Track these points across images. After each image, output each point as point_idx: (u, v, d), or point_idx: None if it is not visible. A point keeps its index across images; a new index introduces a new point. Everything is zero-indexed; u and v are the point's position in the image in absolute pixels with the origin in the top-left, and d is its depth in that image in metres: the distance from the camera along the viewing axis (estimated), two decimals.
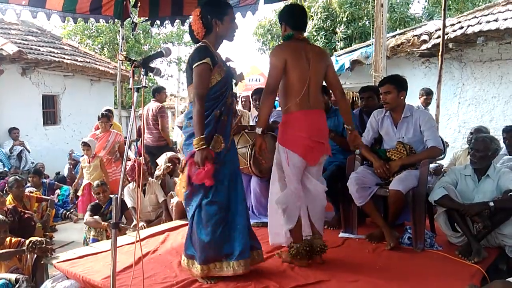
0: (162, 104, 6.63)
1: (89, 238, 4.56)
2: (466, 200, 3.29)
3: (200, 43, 2.77)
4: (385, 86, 3.56)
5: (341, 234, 3.73)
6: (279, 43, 3.02)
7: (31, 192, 5.58)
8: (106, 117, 6.53)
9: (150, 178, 5.22)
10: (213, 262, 2.77)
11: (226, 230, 2.77)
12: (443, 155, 3.68)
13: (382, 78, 4.46)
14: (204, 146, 2.57)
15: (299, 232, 3.04)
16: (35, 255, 3.46)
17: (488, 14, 7.06)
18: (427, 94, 6.66)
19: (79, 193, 6.28)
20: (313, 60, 2.95)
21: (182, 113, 7.77)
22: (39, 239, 3.46)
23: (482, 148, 3.29)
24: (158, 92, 6.73)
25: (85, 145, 6.17)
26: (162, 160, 5.53)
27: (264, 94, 2.95)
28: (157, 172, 5.46)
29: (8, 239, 3.64)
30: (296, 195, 2.97)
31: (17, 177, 5.29)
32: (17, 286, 2.93)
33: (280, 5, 14.26)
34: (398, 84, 3.54)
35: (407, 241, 3.45)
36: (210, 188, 2.68)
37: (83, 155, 6.34)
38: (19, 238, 3.70)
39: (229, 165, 2.82)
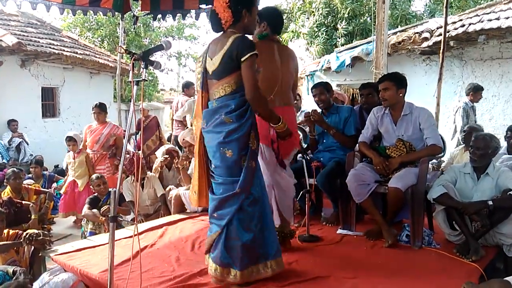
0: (190, 98, 7.12)
1: (87, 231, 4.55)
2: (465, 198, 3.28)
3: (237, 33, 2.54)
4: (384, 83, 3.56)
5: (339, 231, 3.73)
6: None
7: (30, 185, 5.57)
8: (99, 107, 5.92)
9: (148, 172, 5.22)
10: (252, 266, 2.61)
11: (263, 228, 2.64)
12: (443, 153, 3.67)
13: (382, 75, 4.45)
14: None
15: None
16: (33, 248, 3.46)
17: (489, 13, 7.04)
18: (476, 90, 6.04)
19: (62, 191, 5.83)
20: (284, 60, 3.16)
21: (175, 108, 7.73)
22: (36, 231, 3.46)
23: (482, 146, 3.29)
24: (187, 87, 7.35)
25: (71, 139, 5.80)
26: (159, 153, 5.52)
27: None
28: (155, 165, 5.45)
29: (5, 231, 3.64)
30: (269, 187, 3.06)
31: (14, 169, 5.27)
32: (14, 278, 2.92)
33: (281, 1, 14.23)
34: (397, 81, 3.54)
35: (405, 239, 3.45)
36: (252, 187, 2.57)
37: (69, 151, 5.95)
38: (17, 231, 3.70)
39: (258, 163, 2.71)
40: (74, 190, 5.75)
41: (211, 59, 2.60)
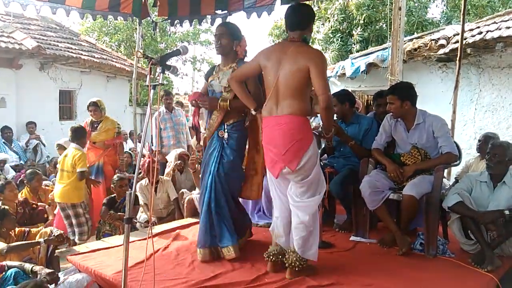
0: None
1: (103, 232, 4.59)
2: (481, 207, 3.24)
3: None
4: (388, 97, 3.57)
5: (352, 238, 3.71)
6: None
7: (47, 186, 5.66)
8: None
9: (161, 176, 5.25)
10: None
11: None
12: (458, 161, 3.63)
13: (398, 82, 4.43)
14: None
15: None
16: (50, 247, 3.51)
17: (508, 20, 6.94)
18: None
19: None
20: (285, 61, 2.75)
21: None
22: (55, 229, 3.54)
23: (499, 152, 3.25)
24: None
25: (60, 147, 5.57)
26: (172, 157, 5.56)
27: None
28: (167, 169, 5.50)
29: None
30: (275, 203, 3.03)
31: (36, 170, 5.37)
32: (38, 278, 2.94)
33: None
34: (400, 94, 3.51)
35: (419, 247, 3.42)
36: None
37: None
38: (23, 228, 3.76)
39: None
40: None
41: None
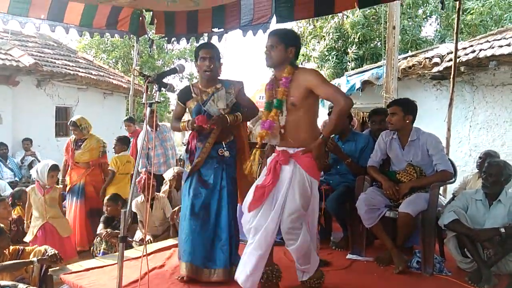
0: None
1: (99, 250, 4.53)
2: (477, 225, 3.24)
3: None
4: (393, 108, 3.60)
5: (349, 256, 3.69)
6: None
7: None
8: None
9: (157, 193, 5.22)
10: None
11: None
12: (453, 179, 3.64)
13: (393, 99, 4.47)
14: None
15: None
16: (44, 266, 3.47)
17: (500, 39, 7.05)
18: None
19: (28, 238, 4.38)
20: None
21: None
22: (49, 248, 3.50)
23: (495, 172, 3.26)
24: None
25: (55, 168, 4.60)
26: (169, 174, 5.56)
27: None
28: (164, 187, 5.49)
29: None
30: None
31: (22, 188, 5.32)
32: None
33: (291, 24, 14.42)
34: (405, 107, 3.55)
35: (415, 265, 3.40)
36: None
37: (33, 183, 4.78)
38: (17, 246, 3.71)
39: None
40: (46, 236, 4.41)
41: None
